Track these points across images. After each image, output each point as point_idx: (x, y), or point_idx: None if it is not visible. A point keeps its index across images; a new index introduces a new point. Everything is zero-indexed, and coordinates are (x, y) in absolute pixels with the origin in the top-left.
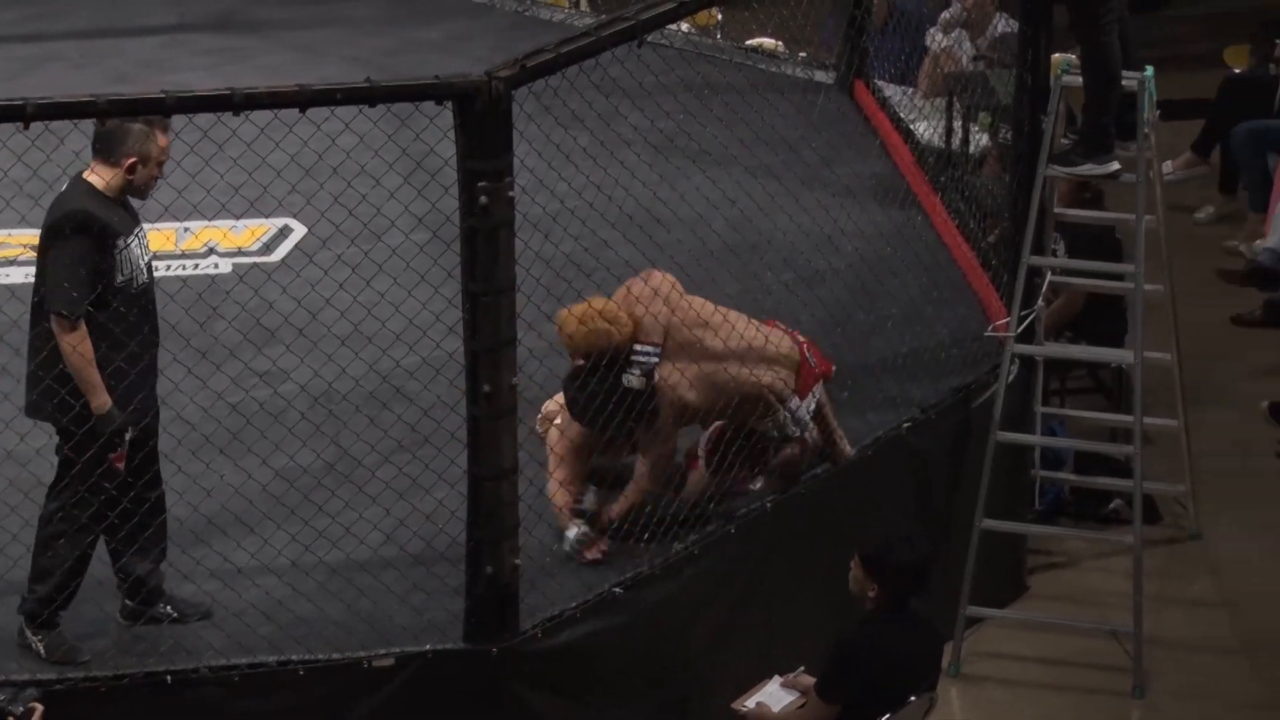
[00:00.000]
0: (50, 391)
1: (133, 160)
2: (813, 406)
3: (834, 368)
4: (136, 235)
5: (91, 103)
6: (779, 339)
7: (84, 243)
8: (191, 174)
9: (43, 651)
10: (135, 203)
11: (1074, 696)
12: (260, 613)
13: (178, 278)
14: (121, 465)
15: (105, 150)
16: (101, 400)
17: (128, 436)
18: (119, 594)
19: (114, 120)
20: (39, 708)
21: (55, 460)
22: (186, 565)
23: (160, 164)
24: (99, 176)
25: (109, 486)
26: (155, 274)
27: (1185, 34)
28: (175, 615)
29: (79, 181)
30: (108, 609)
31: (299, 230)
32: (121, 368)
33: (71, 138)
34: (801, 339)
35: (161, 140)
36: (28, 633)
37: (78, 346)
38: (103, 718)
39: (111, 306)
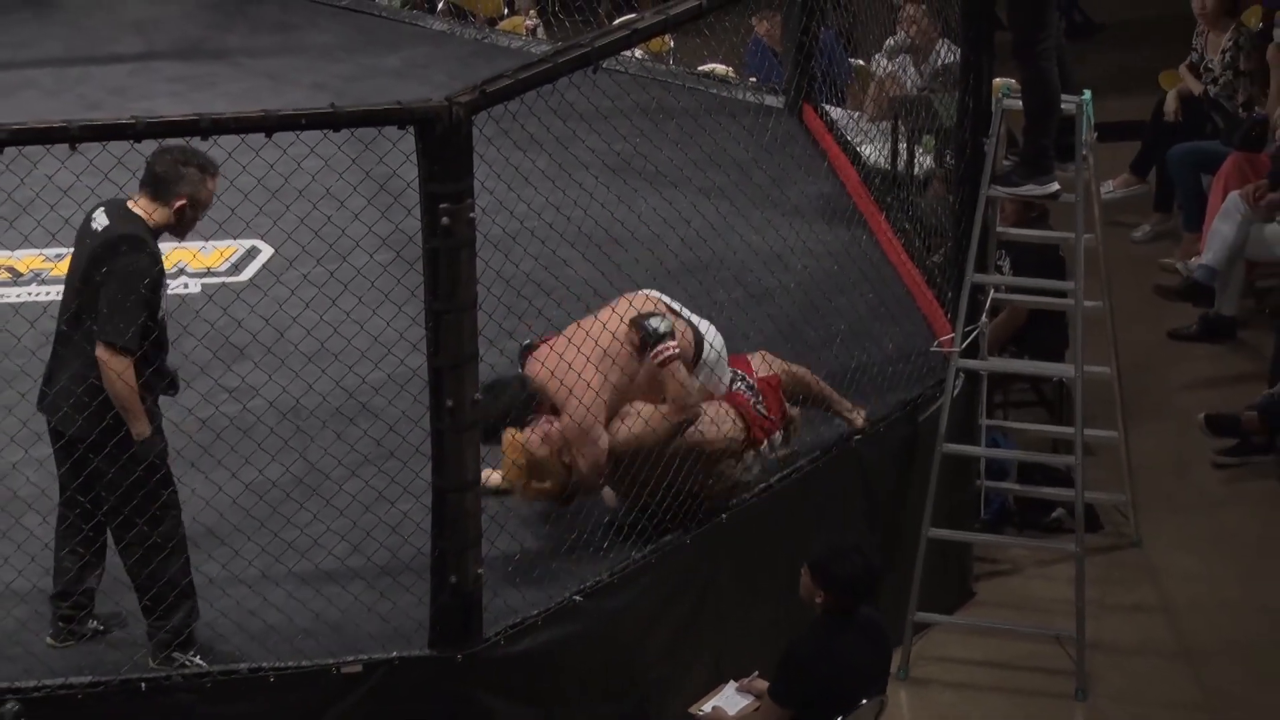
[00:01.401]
0: (93, 416)
1: (183, 203)
2: (777, 446)
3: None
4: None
5: (64, 129)
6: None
7: (146, 279)
8: None
9: (204, 664)
10: None
11: (1019, 699)
12: (231, 622)
13: None
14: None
15: (157, 188)
16: (143, 427)
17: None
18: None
19: (168, 160)
20: None
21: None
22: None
23: (206, 208)
24: (144, 211)
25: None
26: None
27: (1121, 59)
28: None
29: (128, 214)
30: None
31: (266, 251)
32: (150, 390)
33: (44, 162)
34: (753, 379)
35: (210, 185)
36: (176, 657)
37: (123, 375)
38: None
39: (150, 338)
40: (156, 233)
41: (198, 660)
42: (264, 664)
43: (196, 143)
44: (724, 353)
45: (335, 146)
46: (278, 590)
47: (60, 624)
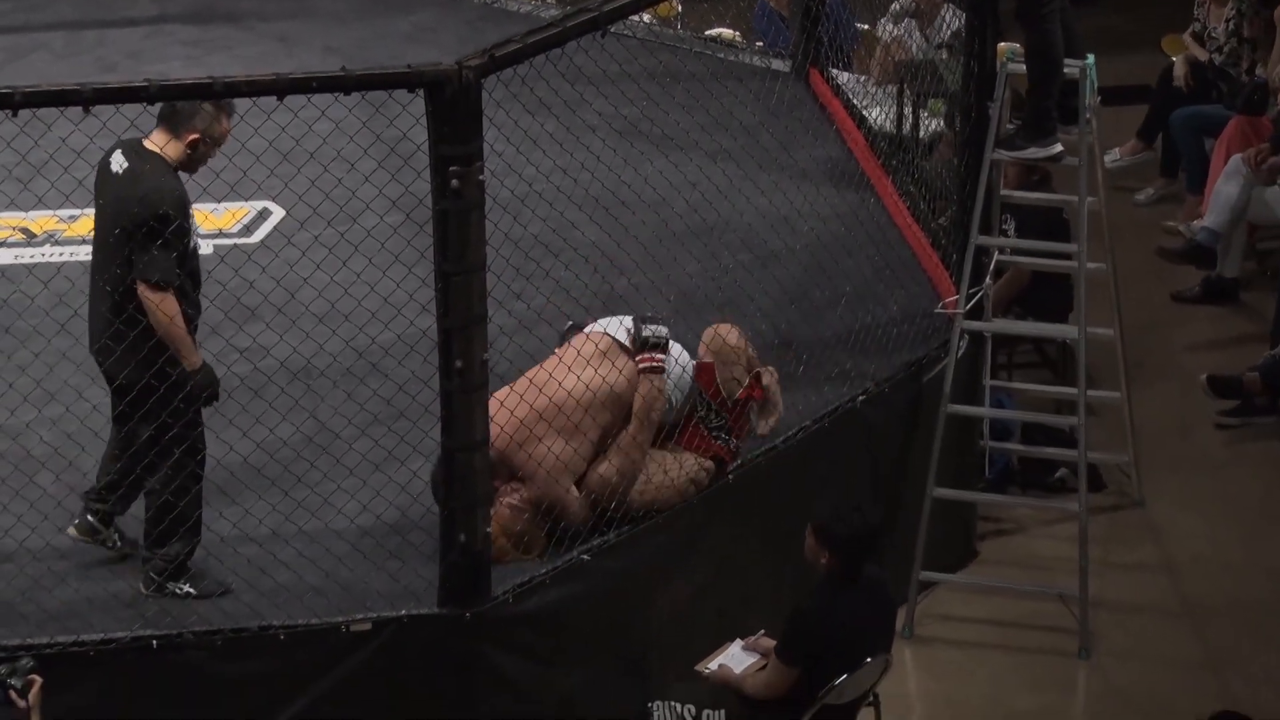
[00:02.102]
0: (134, 350)
1: (195, 137)
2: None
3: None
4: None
5: (77, 91)
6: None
7: (177, 216)
8: None
9: (196, 592)
10: None
11: (1022, 657)
12: (242, 580)
13: None
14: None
15: (172, 122)
16: (195, 358)
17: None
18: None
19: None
20: (38, 680)
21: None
22: None
23: (219, 145)
24: (158, 145)
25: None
26: None
27: (1124, 24)
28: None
29: (144, 151)
30: (94, 575)
31: (278, 213)
32: (192, 321)
33: (58, 124)
34: (709, 395)
35: (225, 124)
36: (168, 586)
37: (164, 308)
38: (91, 680)
39: (185, 270)
40: (174, 167)
41: (188, 589)
42: (274, 622)
43: None
44: (688, 369)
45: (346, 109)
46: (288, 548)
47: (88, 517)
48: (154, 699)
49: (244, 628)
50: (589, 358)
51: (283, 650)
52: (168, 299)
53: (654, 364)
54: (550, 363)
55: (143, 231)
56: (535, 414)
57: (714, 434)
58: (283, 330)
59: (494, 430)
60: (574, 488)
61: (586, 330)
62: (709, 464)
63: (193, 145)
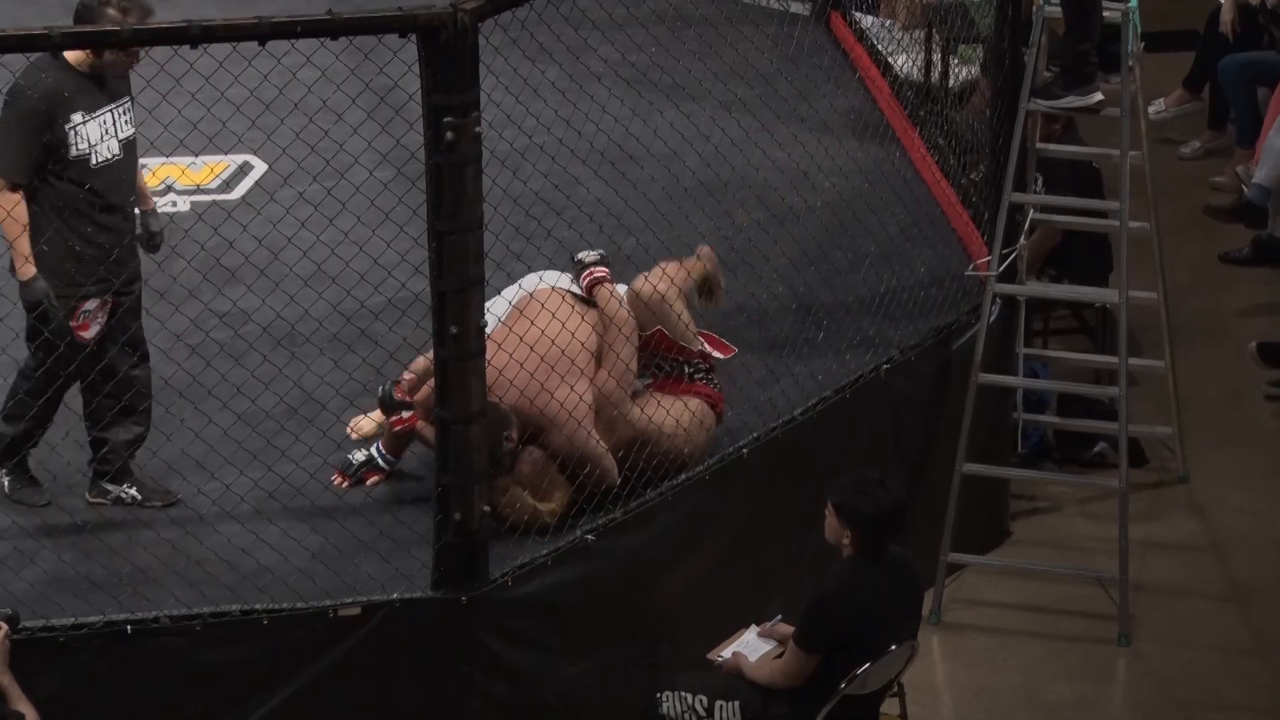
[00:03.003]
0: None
1: None
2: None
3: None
4: (109, 112)
5: (45, 35)
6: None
7: (27, 111)
8: (148, 109)
9: (5, 487)
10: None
11: (1058, 644)
12: (223, 561)
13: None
14: (86, 334)
15: (82, 24)
16: (25, 269)
17: (89, 306)
18: (88, 469)
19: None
20: (4, 626)
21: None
22: (145, 511)
23: (124, 62)
24: (70, 52)
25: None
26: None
27: None
28: (139, 499)
29: (48, 54)
30: (64, 557)
31: (259, 167)
32: (81, 240)
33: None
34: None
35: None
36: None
37: (11, 211)
38: (60, 669)
39: (65, 179)
40: (84, 71)
41: (5, 480)
42: (257, 605)
43: (186, 51)
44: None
45: (333, 56)
46: (271, 528)
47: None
48: (128, 688)
49: (225, 612)
50: (561, 308)
51: (266, 636)
52: (14, 202)
53: (600, 275)
54: (532, 313)
55: (4, 121)
56: (546, 366)
57: (697, 379)
58: (265, 294)
59: (503, 385)
60: (599, 443)
61: (526, 288)
62: (706, 406)
63: (98, 51)
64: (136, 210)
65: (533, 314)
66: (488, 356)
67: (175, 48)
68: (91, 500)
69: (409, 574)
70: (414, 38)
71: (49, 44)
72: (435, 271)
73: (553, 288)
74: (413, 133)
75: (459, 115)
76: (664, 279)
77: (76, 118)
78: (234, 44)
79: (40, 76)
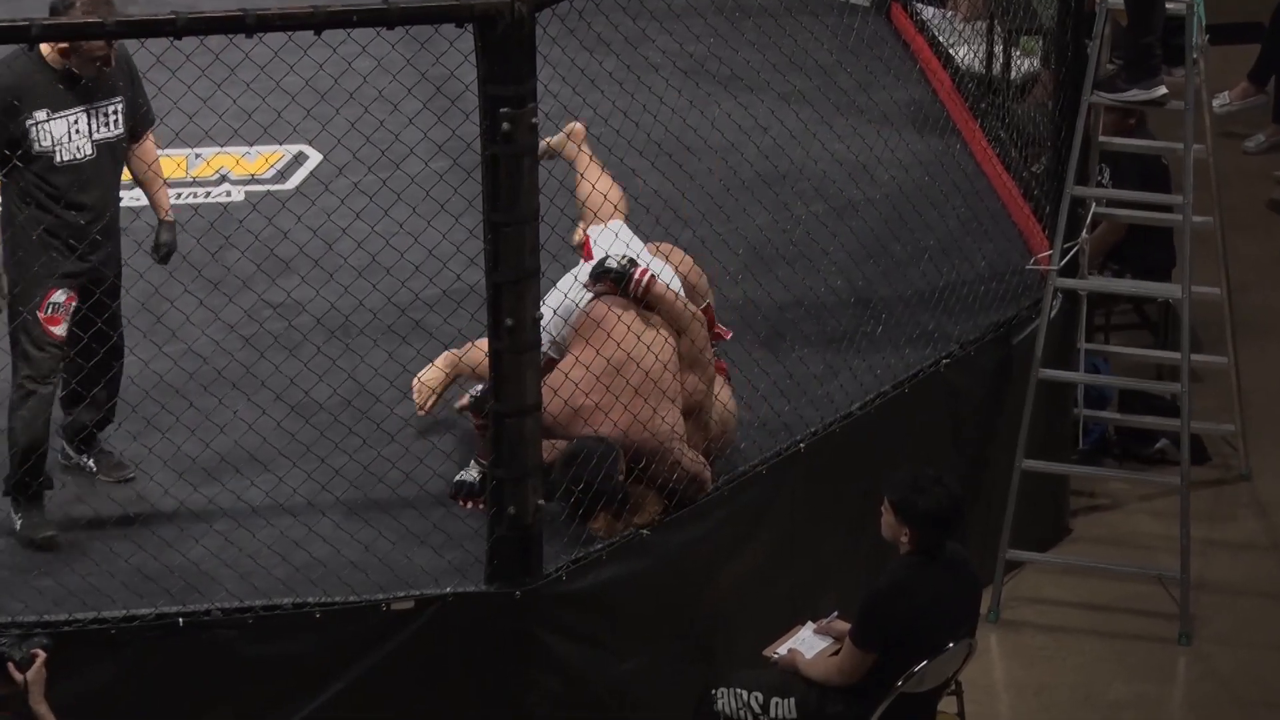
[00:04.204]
0: None
1: (65, 44)
2: None
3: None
4: (83, 112)
5: (99, 25)
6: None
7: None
8: (203, 99)
9: (18, 527)
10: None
11: (1117, 643)
12: (275, 553)
13: (189, 206)
14: (56, 329)
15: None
16: None
17: (56, 297)
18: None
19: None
20: (41, 655)
21: None
22: (198, 504)
23: (95, 56)
24: (48, 45)
25: (40, 351)
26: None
27: None
28: (94, 469)
29: (27, 47)
30: (116, 549)
31: (314, 157)
32: (46, 233)
33: None
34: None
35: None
36: (12, 513)
37: None
38: (112, 662)
39: (28, 172)
40: (56, 68)
41: (18, 523)
42: (309, 599)
43: (241, 40)
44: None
45: (389, 45)
46: (324, 520)
47: None
48: (179, 680)
49: (277, 605)
50: (635, 323)
51: (319, 630)
52: None
53: (645, 276)
54: (599, 340)
55: None
56: (640, 397)
57: (719, 357)
58: (319, 285)
59: (598, 419)
60: (701, 460)
61: (573, 298)
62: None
63: (63, 52)
64: (125, 208)
65: (599, 341)
66: (571, 384)
67: (230, 37)
68: (61, 461)
69: (462, 568)
70: (470, 27)
71: (28, 37)
72: (491, 263)
73: (609, 307)
74: (469, 123)
75: (515, 106)
76: (684, 260)
77: (40, 114)
78: (289, 33)
79: (3, 70)
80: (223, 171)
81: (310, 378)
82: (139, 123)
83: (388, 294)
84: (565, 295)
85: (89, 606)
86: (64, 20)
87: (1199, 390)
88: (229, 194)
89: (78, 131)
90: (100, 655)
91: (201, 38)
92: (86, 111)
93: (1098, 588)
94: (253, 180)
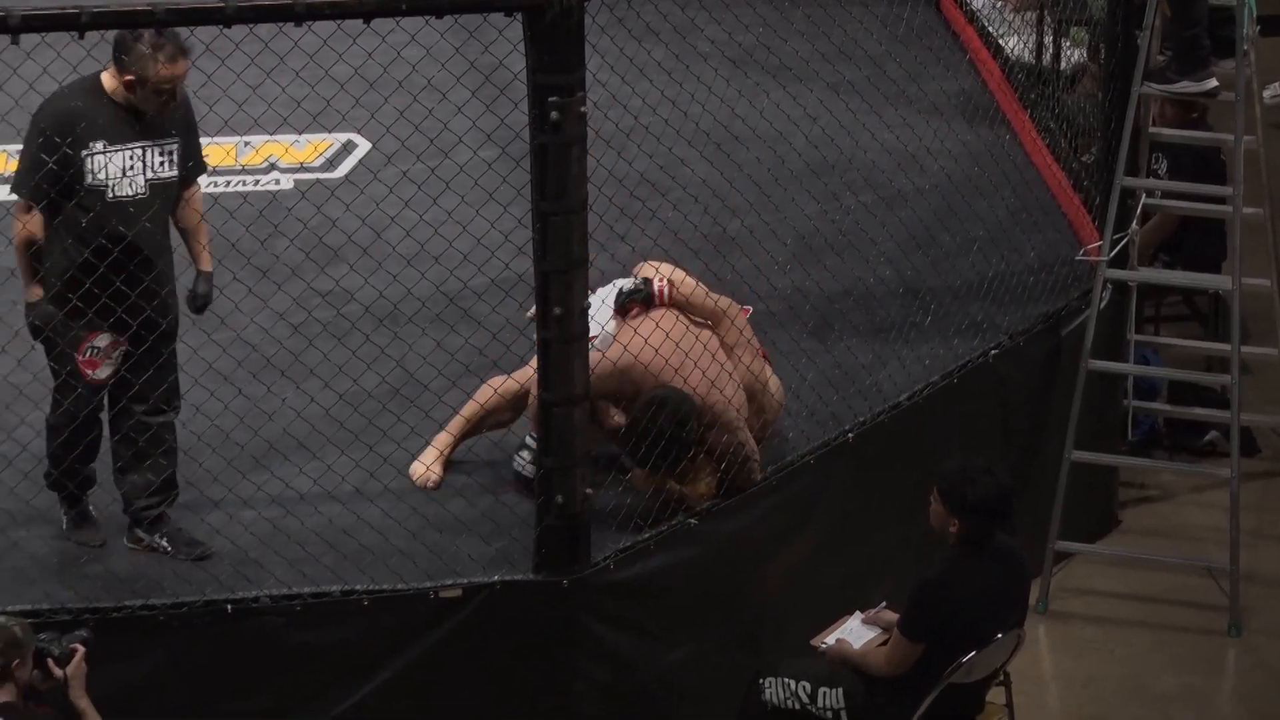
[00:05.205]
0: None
1: (130, 78)
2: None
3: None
4: (141, 148)
5: (149, 12)
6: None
7: (38, 130)
8: (252, 87)
9: (64, 524)
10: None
11: (1166, 635)
12: (323, 541)
13: (238, 194)
14: (95, 372)
15: (116, 56)
16: (31, 291)
17: (98, 342)
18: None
19: (128, 31)
20: (80, 649)
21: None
22: (247, 490)
23: (160, 91)
24: (111, 77)
25: (80, 388)
26: (213, 189)
27: None
28: (168, 550)
29: (94, 76)
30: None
31: (363, 146)
32: (84, 270)
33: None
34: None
35: (163, 68)
36: (69, 533)
37: (24, 227)
38: (160, 647)
39: (78, 205)
40: (120, 101)
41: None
42: (357, 586)
43: (291, 29)
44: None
45: (438, 34)
46: (373, 508)
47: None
48: (227, 667)
49: (325, 592)
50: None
51: (366, 617)
52: (25, 216)
53: (663, 282)
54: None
55: (24, 142)
56: (718, 364)
57: None
58: (368, 273)
59: (697, 381)
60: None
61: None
62: None
63: (129, 85)
64: (177, 256)
65: (658, 339)
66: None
67: (279, 25)
68: (129, 545)
69: (510, 556)
70: (519, 16)
71: (78, 25)
72: (539, 252)
73: (647, 316)
74: (518, 112)
75: (564, 95)
76: (675, 271)
77: (97, 145)
78: (339, 21)
79: (62, 97)
80: (272, 159)
81: (358, 365)
82: (191, 171)
83: (436, 282)
84: (602, 327)
85: (137, 593)
86: (112, 8)
87: (1249, 382)
88: (278, 182)
89: (133, 168)
90: (148, 641)
91: (251, 26)
92: (144, 149)
93: (1147, 579)
94: (301, 168)
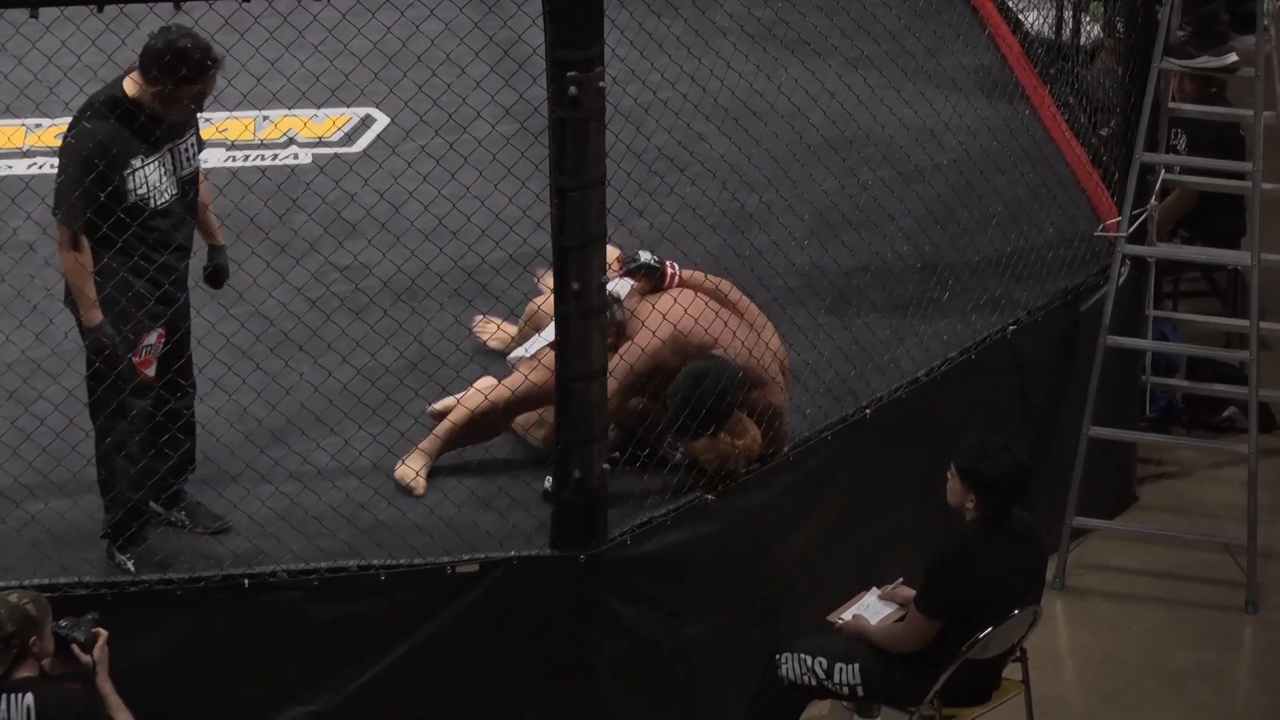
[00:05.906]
0: (70, 303)
1: (159, 90)
2: None
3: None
4: (169, 150)
5: None
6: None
7: (83, 162)
8: (271, 61)
9: (132, 569)
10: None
11: (1184, 611)
12: (341, 516)
13: (256, 168)
14: (150, 372)
15: (144, 65)
16: (92, 315)
17: (149, 340)
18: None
19: (157, 41)
20: (103, 633)
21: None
22: (264, 465)
23: (188, 106)
24: (134, 84)
25: (139, 400)
26: (231, 164)
27: None
28: (186, 523)
29: (114, 86)
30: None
31: (382, 120)
32: (140, 278)
33: (147, 21)
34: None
35: (198, 85)
36: (116, 555)
37: (77, 258)
38: (178, 622)
39: (127, 223)
40: (143, 108)
41: (129, 564)
42: (374, 561)
43: (310, 3)
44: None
45: (456, 9)
46: (390, 483)
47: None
48: (244, 641)
49: (342, 567)
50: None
51: (383, 592)
52: (70, 239)
53: (674, 267)
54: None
55: (60, 165)
56: (754, 330)
57: None
58: (386, 247)
59: (729, 341)
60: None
61: (649, 299)
62: None
63: (158, 96)
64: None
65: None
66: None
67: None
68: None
69: (527, 531)
70: None
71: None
72: (557, 227)
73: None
74: (536, 87)
75: (583, 70)
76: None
77: (135, 162)
78: None
79: (96, 119)
80: (290, 134)
81: (376, 340)
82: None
83: (454, 257)
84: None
85: (155, 568)
86: None
87: (1267, 358)
88: (296, 156)
89: (167, 173)
90: (166, 616)
91: (270, 0)
92: (171, 150)
93: (1164, 555)
94: (320, 143)
